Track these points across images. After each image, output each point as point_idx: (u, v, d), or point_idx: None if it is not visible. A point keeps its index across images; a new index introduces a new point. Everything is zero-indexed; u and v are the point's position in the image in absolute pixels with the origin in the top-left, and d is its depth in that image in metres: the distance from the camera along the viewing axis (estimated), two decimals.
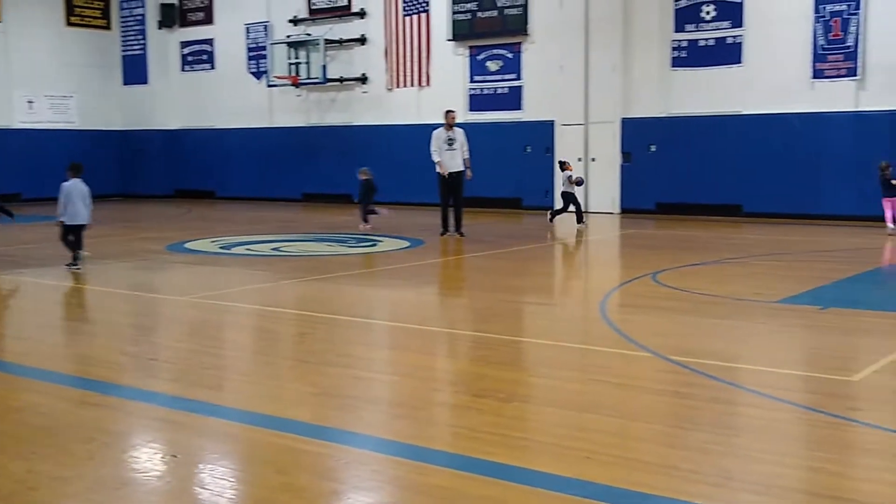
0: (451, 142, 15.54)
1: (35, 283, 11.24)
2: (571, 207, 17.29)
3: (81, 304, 10.17)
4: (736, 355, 7.12)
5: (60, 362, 6.95)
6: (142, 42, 28.67)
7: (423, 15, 23.11)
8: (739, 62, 19.03)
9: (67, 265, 11.77)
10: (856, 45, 17.67)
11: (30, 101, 26.79)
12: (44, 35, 27.01)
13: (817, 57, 18.08)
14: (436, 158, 15.54)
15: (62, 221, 11.70)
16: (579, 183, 17.54)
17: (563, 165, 17.57)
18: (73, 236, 11.87)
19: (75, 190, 11.73)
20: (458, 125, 15.81)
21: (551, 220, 17.68)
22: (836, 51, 17.89)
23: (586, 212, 20.33)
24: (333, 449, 4.83)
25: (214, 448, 4.91)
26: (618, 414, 5.40)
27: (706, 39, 19.39)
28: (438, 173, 15.64)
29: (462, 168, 15.59)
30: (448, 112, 15.85)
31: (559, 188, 18.18)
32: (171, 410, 5.51)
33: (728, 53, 19.12)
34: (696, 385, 5.99)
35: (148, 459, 4.68)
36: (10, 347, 7.79)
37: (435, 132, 15.69)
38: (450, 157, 15.54)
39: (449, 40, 22.80)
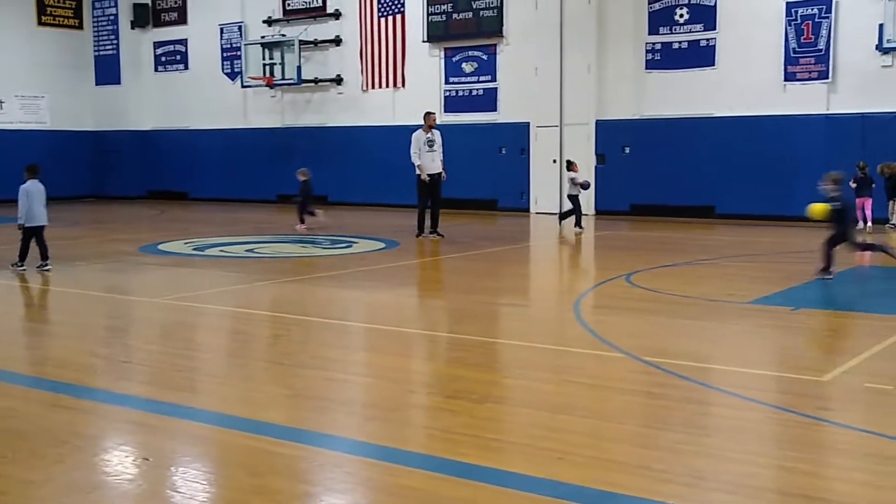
0: (430, 143, 15.57)
1: (6, 286, 11.11)
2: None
3: (53, 307, 10.07)
4: (708, 356, 7.18)
5: (31, 365, 6.89)
6: (114, 42, 28.44)
7: (399, 16, 23.11)
8: (713, 65, 19.18)
9: (13, 265, 11.69)
10: (827, 49, 17.86)
11: (0, 102, 26.50)
12: (14, 35, 26.73)
13: (789, 60, 18.26)
14: (416, 161, 15.59)
15: (22, 224, 11.60)
16: (585, 186, 17.19)
17: (570, 166, 17.22)
18: (35, 238, 11.74)
19: (35, 191, 11.66)
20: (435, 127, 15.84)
21: (560, 221, 17.63)
22: (807, 54, 18.08)
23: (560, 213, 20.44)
24: (307, 451, 4.82)
25: (187, 451, 4.88)
26: (591, 415, 5.43)
27: (679, 42, 19.53)
28: (418, 175, 15.64)
29: (440, 170, 15.66)
30: (428, 114, 15.89)
31: (565, 190, 17.72)
32: (144, 413, 5.48)
33: (701, 56, 19.27)
34: (668, 385, 6.03)
35: (119, 463, 4.64)
36: None
37: (415, 134, 15.70)
38: (430, 159, 15.60)
39: (424, 42, 22.81)
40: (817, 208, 10.74)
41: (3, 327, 8.78)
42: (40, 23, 27.53)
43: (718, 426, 5.27)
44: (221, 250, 14.35)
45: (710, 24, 19.13)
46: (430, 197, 15.78)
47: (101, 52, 28.72)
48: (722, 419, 5.39)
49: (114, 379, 6.45)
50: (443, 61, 22.78)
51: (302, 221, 17.29)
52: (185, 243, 15.23)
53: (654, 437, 4.98)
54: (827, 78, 17.92)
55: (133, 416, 5.46)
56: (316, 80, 24.61)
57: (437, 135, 15.74)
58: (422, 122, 15.93)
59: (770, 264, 12.42)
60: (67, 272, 11.93)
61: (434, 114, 16.11)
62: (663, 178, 19.69)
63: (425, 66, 22.92)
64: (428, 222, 15.79)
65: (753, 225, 17.68)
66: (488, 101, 22.16)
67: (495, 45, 21.93)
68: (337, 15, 24.33)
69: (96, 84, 28.87)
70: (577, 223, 16.71)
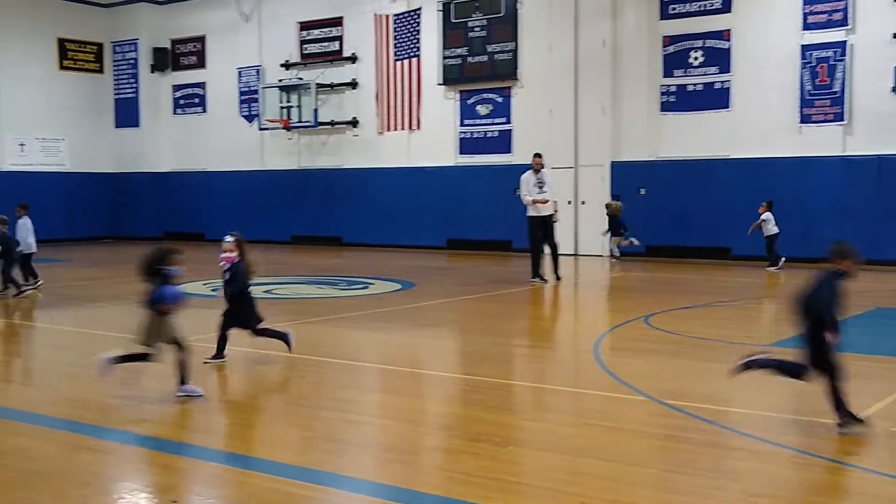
0: (540, 184, 15.18)
1: (24, 326, 11.18)
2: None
3: (71, 347, 10.10)
4: (729, 399, 7.13)
5: (53, 406, 6.90)
6: (134, 85, 28.84)
7: (414, 60, 23.36)
8: (727, 107, 19.27)
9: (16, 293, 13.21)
10: (842, 91, 17.93)
11: (21, 144, 26.85)
12: (36, 78, 27.15)
13: (804, 102, 18.33)
14: (529, 199, 15.16)
15: (21, 251, 13.65)
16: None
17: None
18: (26, 262, 13.81)
19: (30, 225, 14.08)
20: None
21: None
22: (822, 96, 18.15)
23: (575, 255, 20.45)
24: (328, 493, 4.81)
25: (211, 493, 4.88)
26: (612, 458, 5.39)
27: (694, 84, 19.65)
28: (529, 217, 15.27)
29: (552, 211, 15.23)
30: (535, 155, 15.47)
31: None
32: (166, 455, 5.48)
33: (716, 98, 19.37)
34: (690, 429, 6.00)
35: None
36: (0, 392, 7.73)
37: (523, 176, 15.36)
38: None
39: (439, 84, 23.02)
40: None
41: (23, 368, 8.83)
42: (62, 67, 27.97)
43: (743, 470, 5.22)
44: None
45: (725, 67, 19.26)
46: (544, 239, 15.28)
47: (121, 95, 29.11)
48: (746, 463, 5.35)
49: (134, 420, 6.46)
50: (458, 104, 22.97)
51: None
52: (204, 284, 15.29)
53: (678, 482, 4.95)
54: (843, 120, 17.96)
55: (156, 458, 5.46)
56: (332, 123, 24.84)
57: (546, 175, 15.27)
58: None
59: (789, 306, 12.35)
60: (86, 313, 12.01)
61: (540, 156, 15.52)
62: (679, 220, 19.71)
63: (441, 108, 23.11)
64: (544, 267, 15.27)
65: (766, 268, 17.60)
66: (503, 142, 22.30)
67: (510, 87, 22.12)
68: (353, 58, 24.62)
69: (115, 126, 29.23)
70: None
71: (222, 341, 8.35)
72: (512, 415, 6.66)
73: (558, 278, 15.19)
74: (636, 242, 19.50)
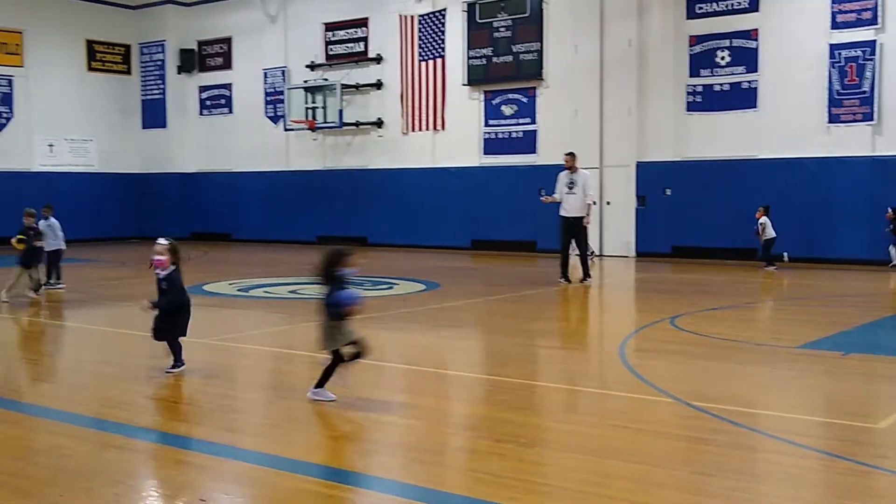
0: (571, 185, 15.07)
1: (54, 325, 11.31)
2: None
3: (100, 346, 10.21)
4: (757, 401, 7.08)
5: (83, 405, 6.97)
6: (161, 87, 29.07)
7: (439, 60, 23.38)
8: (755, 107, 19.15)
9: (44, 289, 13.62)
10: (871, 90, 17.76)
11: (50, 145, 27.15)
12: (65, 80, 27.45)
13: (833, 101, 18.17)
14: (558, 199, 15.22)
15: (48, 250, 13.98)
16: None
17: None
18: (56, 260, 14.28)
19: (56, 224, 14.45)
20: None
21: None
22: (851, 96, 17.99)
23: (600, 255, 20.41)
24: (354, 493, 4.84)
25: (240, 492, 4.92)
26: (639, 460, 5.37)
27: (721, 84, 19.54)
28: (559, 216, 15.23)
29: (582, 213, 15.03)
30: (565, 155, 15.41)
31: None
32: (195, 453, 5.52)
33: (743, 98, 19.25)
34: (717, 431, 5.96)
35: (174, 503, 4.68)
36: (31, 389, 7.83)
37: (559, 174, 15.34)
38: (569, 200, 15.10)
39: (464, 85, 23.04)
40: None
41: (53, 367, 8.93)
42: (90, 68, 28.25)
43: (771, 473, 5.19)
44: (265, 291, 14.49)
45: (752, 67, 19.13)
46: (572, 240, 15.17)
47: (148, 97, 29.36)
48: (775, 466, 5.31)
49: (164, 419, 6.52)
50: (482, 104, 22.97)
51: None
52: (230, 284, 15.40)
53: (706, 484, 4.92)
54: (872, 120, 17.79)
55: (184, 457, 5.51)
56: (357, 124, 24.91)
57: (579, 176, 15.07)
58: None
59: (816, 308, 12.26)
60: (114, 312, 12.13)
61: (570, 155, 15.33)
62: (705, 220, 19.61)
63: (465, 108, 23.12)
64: (572, 268, 15.23)
65: (797, 268, 17.48)
66: (528, 143, 22.28)
67: (535, 87, 22.09)
68: (378, 59, 24.69)
69: (143, 127, 29.48)
70: None
71: (177, 350, 7.94)
72: (537, 416, 6.65)
73: (583, 279, 15.12)
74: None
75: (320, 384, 6.75)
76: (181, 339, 8.02)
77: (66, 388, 7.69)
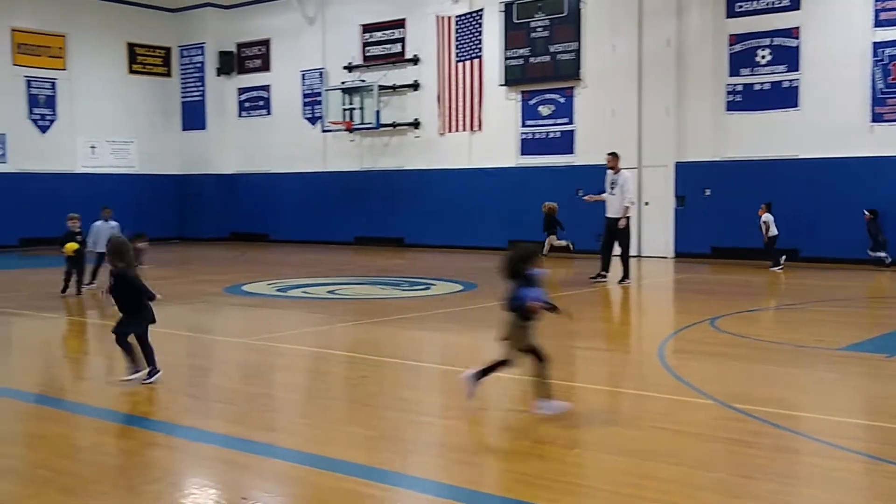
0: (612, 185, 15.07)
1: (94, 325, 11.47)
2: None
3: None
4: (799, 403, 6.99)
5: (126, 403, 7.06)
6: (201, 89, 29.38)
7: (476, 61, 23.37)
8: (796, 106, 18.91)
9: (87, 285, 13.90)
10: None
11: (92, 147, 27.55)
12: (107, 82, 27.85)
13: (876, 100, 17.90)
14: (596, 196, 15.48)
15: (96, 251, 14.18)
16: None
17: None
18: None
19: (112, 225, 14.45)
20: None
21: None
22: (895, 94, 17.69)
23: (639, 256, 20.27)
24: (394, 492, 4.84)
25: (280, 490, 4.95)
26: (680, 462, 5.33)
27: (762, 83, 19.32)
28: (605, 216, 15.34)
29: (619, 214, 14.99)
30: (607, 155, 15.45)
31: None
32: (235, 452, 5.57)
33: (784, 97, 19.02)
34: (759, 433, 5.90)
35: (217, 501, 4.72)
36: (73, 388, 7.95)
37: (607, 173, 15.40)
38: (610, 201, 15.12)
39: (501, 85, 23.00)
40: None
41: (92, 365, 9.05)
42: (131, 71, 28.64)
43: (815, 476, 5.12)
44: (304, 291, 14.57)
45: (794, 65, 18.90)
46: (612, 240, 15.21)
47: (188, 99, 29.68)
48: (818, 469, 5.24)
49: (204, 417, 6.58)
50: (520, 104, 22.92)
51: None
52: (269, 284, 15.51)
53: (748, 487, 4.86)
54: None
55: (224, 455, 5.55)
56: (394, 125, 24.98)
57: (620, 177, 15.02)
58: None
59: (859, 310, 12.08)
60: (156, 312, 12.22)
61: (611, 155, 15.34)
62: (745, 221, 19.35)
63: (502, 109, 23.09)
64: (613, 268, 15.27)
65: (839, 269, 17.25)
66: (565, 143, 22.20)
67: (572, 87, 22.00)
68: (415, 60, 24.74)
69: (182, 129, 29.82)
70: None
71: (149, 354, 7.60)
72: (577, 417, 6.62)
73: (621, 280, 15.04)
74: (571, 247, 20.44)
75: (544, 396, 6.38)
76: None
77: (107, 386, 7.79)
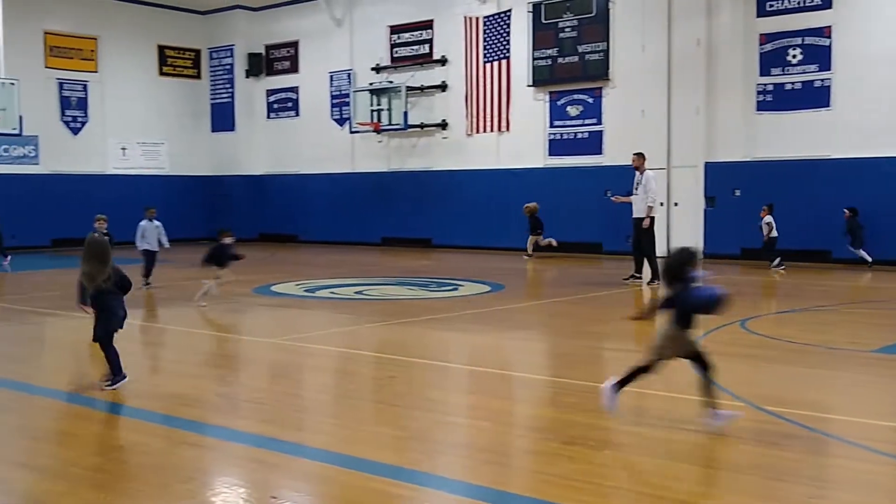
0: (637, 186, 15.10)
1: (128, 324, 11.54)
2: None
3: (174, 345, 10.43)
4: (833, 406, 6.92)
5: (157, 402, 7.12)
6: (230, 90, 29.58)
7: (504, 61, 23.33)
8: (828, 105, 18.70)
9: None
10: None
11: (123, 148, 27.82)
12: (138, 85, 28.11)
13: None
14: (622, 197, 15.60)
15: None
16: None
17: None
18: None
19: (155, 226, 14.92)
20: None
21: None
22: None
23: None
24: (423, 493, 4.85)
25: (309, 490, 4.97)
26: (711, 464, 5.29)
27: (793, 83, 19.13)
28: None
29: (641, 215, 15.01)
30: (633, 155, 15.48)
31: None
32: (265, 451, 5.60)
33: (816, 97, 18.82)
34: (791, 436, 5.84)
35: (247, 500, 4.75)
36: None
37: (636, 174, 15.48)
38: (636, 201, 15.16)
39: (529, 86, 22.95)
40: None
41: (130, 365, 9.12)
42: (161, 73, 28.89)
43: (850, 480, 5.07)
44: (332, 292, 14.62)
45: (825, 65, 18.70)
46: (638, 241, 15.29)
47: (217, 100, 29.90)
48: (851, 472, 5.18)
49: (234, 417, 6.62)
50: (548, 105, 22.86)
51: None
52: (297, 285, 15.59)
53: (780, 490, 4.82)
54: None
55: (254, 454, 5.58)
56: (422, 125, 25.00)
57: (644, 178, 15.02)
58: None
59: (893, 311, 11.92)
60: (186, 312, 12.36)
61: (635, 156, 15.35)
62: (776, 222, 19.18)
63: (530, 109, 23.04)
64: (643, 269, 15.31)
65: (872, 270, 17.03)
66: (593, 144, 22.11)
67: (601, 87, 21.91)
68: (443, 61, 24.75)
69: (212, 131, 30.03)
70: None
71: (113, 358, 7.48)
72: (606, 418, 6.58)
73: (650, 281, 14.95)
74: (554, 243, 20.44)
75: (622, 384, 6.24)
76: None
77: (139, 385, 7.85)
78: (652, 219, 15.02)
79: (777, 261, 17.59)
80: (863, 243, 17.66)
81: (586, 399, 7.06)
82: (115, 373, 7.43)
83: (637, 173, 15.19)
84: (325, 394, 7.62)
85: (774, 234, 17.65)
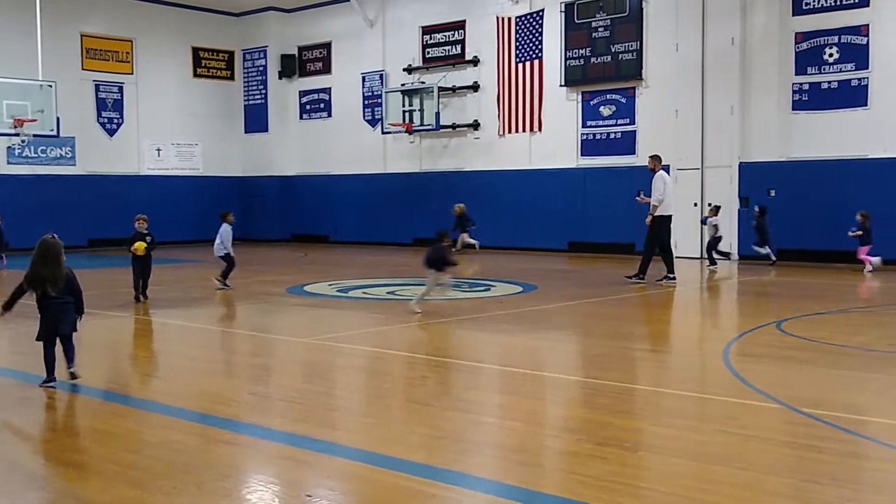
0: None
1: (163, 324, 11.69)
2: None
3: (208, 344, 10.51)
4: (871, 408, 6.83)
5: (193, 400, 7.18)
6: (263, 92, 29.79)
7: (536, 61, 23.29)
8: (865, 105, 18.47)
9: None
10: None
11: (158, 149, 28.11)
12: (173, 86, 28.41)
13: None
14: (646, 199, 15.79)
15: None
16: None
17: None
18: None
19: (227, 230, 15.03)
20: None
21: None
22: None
23: (700, 258, 20.00)
24: (456, 492, 4.84)
25: (345, 489, 4.99)
26: (748, 466, 5.23)
27: (829, 82, 18.91)
28: None
29: (660, 213, 15.29)
30: (648, 157, 15.89)
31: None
32: (300, 450, 5.62)
33: (853, 96, 18.59)
34: (829, 438, 5.77)
35: (283, 499, 4.78)
36: (141, 385, 8.11)
37: None
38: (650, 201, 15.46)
39: (561, 86, 22.89)
40: None
41: (166, 364, 9.23)
42: (195, 75, 29.17)
43: (885, 482, 4.99)
44: (364, 292, 14.67)
45: (863, 63, 18.46)
46: (669, 242, 15.59)
47: (250, 102, 30.12)
48: (888, 475, 5.11)
49: (269, 416, 6.66)
50: (580, 105, 22.78)
51: None
52: (330, 285, 15.65)
53: (818, 493, 4.76)
54: None
55: (288, 453, 5.61)
56: (454, 126, 25.02)
57: (654, 178, 15.32)
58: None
59: None
60: (221, 311, 12.46)
61: (652, 158, 15.66)
62: (811, 223, 18.99)
63: (562, 109, 22.97)
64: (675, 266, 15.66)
65: (776, 268, 16.90)
66: (626, 144, 22.00)
67: (634, 87, 21.80)
68: (475, 61, 24.75)
69: (245, 132, 30.26)
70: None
71: (50, 361, 7.45)
72: (640, 419, 6.55)
73: (661, 279, 15.23)
74: (476, 246, 22.63)
75: None
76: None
77: (174, 383, 7.94)
78: (654, 217, 15.15)
79: (716, 261, 18.47)
80: (768, 241, 18.35)
81: (620, 400, 7.03)
82: (48, 374, 7.43)
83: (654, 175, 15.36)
84: (358, 393, 7.65)
85: (720, 234, 18.53)
